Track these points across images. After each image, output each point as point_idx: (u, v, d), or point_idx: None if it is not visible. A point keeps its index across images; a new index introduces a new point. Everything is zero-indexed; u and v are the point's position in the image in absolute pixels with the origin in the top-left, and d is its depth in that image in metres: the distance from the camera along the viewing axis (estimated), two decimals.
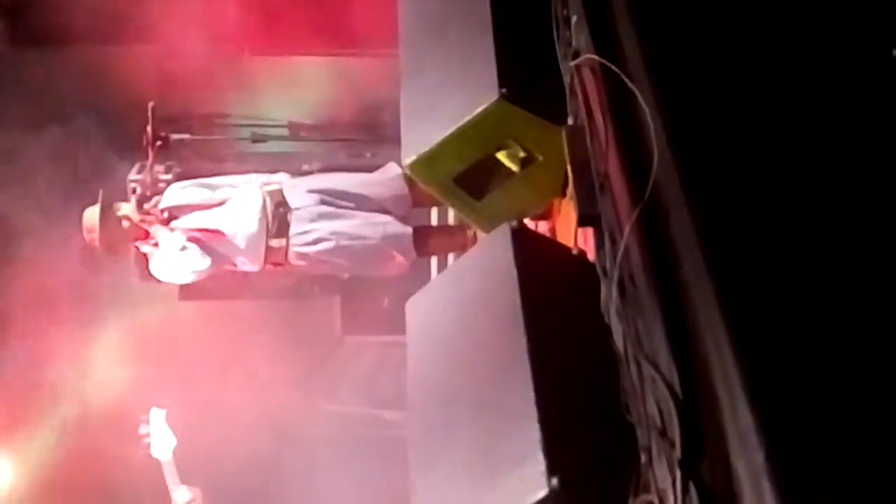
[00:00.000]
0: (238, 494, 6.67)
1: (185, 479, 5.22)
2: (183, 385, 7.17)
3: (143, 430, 5.21)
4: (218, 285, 6.07)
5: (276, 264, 5.26)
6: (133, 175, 5.35)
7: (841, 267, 2.54)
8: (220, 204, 5.18)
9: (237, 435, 7.49)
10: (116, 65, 6.62)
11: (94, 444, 7.08)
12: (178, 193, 5.21)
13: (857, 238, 2.60)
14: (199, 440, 6.82)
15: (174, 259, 5.20)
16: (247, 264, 5.29)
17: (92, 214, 5.18)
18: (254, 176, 5.27)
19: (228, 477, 7.04)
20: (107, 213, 5.13)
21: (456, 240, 5.37)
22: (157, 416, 5.21)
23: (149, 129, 5.35)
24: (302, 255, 5.29)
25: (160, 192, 5.19)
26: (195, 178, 5.38)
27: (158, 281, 6.43)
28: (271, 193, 5.20)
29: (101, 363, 7.44)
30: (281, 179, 5.28)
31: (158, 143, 5.34)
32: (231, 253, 5.24)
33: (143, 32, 6.68)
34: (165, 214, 5.10)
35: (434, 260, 5.94)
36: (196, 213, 5.17)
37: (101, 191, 5.27)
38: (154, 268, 5.23)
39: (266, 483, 7.59)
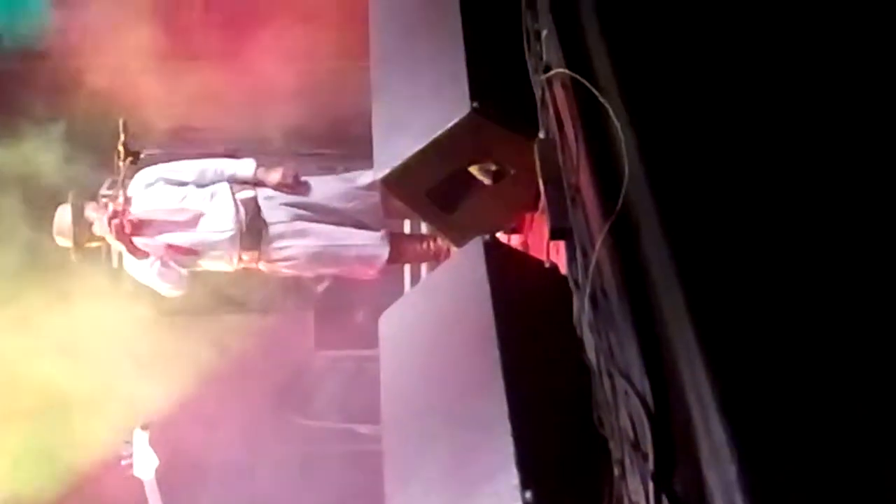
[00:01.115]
0: None
1: (166, 497, 5.19)
2: (158, 401, 7.14)
3: (125, 450, 5.18)
4: (192, 301, 6.06)
5: (246, 270, 5.28)
6: (104, 190, 5.33)
7: (814, 280, 2.55)
8: (193, 220, 5.16)
9: (211, 449, 7.46)
10: (86, 78, 6.59)
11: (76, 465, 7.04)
12: (145, 197, 5.17)
13: (830, 251, 2.61)
14: (176, 456, 6.79)
15: (148, 279, 5.19)
16: (220, 268, 5.31)
17: (63, 217, 5.15)
18: (223, 182, 5.20)
19: (204, 492, 7.01)
20: (78, 216, 5.10)
21: (428, 249, 5.38)
22: (141, 437, 5.18)
23: (120, 144, 5.32)
24: (273, 269, 5.30)
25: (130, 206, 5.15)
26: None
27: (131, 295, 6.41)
28: (245, 203, 5.19)
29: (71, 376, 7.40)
30: (248, 170, 5.23)
31: (130, 158, 5.31)
32: (203, 265, 5.24)
33: (111, 46, 6.65)
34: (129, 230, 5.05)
35: (407, 271, 5.94)
36: (167, 233, 5.14)
37: (70, 192, 5.23)
38: (130, 269, 5.23)
39: (241, 498, 7.55)
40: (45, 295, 6.59)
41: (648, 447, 2.47)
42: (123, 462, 5.13)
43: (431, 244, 5.37)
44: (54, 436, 7.04)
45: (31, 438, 7.10)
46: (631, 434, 2.57)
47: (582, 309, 2.93)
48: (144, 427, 5.18)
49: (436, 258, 5.31)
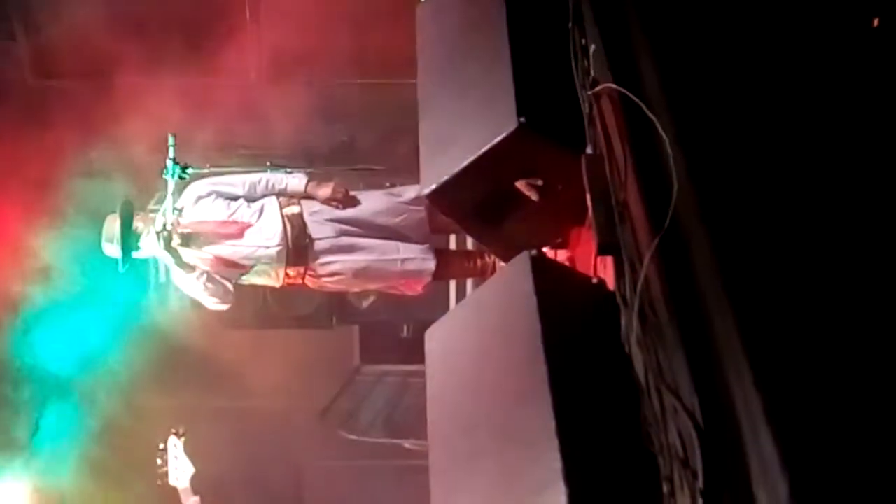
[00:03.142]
0: None
1: None
2: (203, 414, 7.18)
3: (161, 458, 5.18)
4: (238, 315, 6.09)
5: (292, 285, 5.30)
6: (153, 204, 5.38)
7: (864, 298, 2.53)
8: (240, 232, 5.18)
9: (258, 464, 7.48)
10: (136, 95, 6.66)
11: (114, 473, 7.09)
12: (195, 209, 5.20)
13: (882, 269, 2.59)
14: (222, 470, 6.82)
15: (195, 293, 5.21)
16: (266, 283, 5.34)
17: (111, 228, 5.19)
18: (272, 196, 5.22)
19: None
20: (127, 227, 5.13)
21: (475, 265, 5.37)
22: (176, 445, 5.19)
23: (169, 158, 5.36)
24: (319, 284, 5.31)
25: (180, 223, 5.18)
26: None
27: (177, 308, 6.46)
28: (291, 219, 5.20)
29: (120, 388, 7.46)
30: (299, 185, 5.25)
31: (179, 172, 5.35)
32: (249, 279, 5.26)
33: (162, 64, 6.71)
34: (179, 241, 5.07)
35: (452, 287, 5.94)
36: (215, 245, 5.17)
37: (119, 203, 5.27)
38: (177, 282, 5.26)
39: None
40: None
41: (698, 464, 2.45)
42: (160, 472, 5.13)
43: (477, 260, 5.36)
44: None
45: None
46: (680, 451, 2.55)
47: (630, 325, 2.91)
48: (179, 435, 5.17)
49: (482, 274, 5.30)
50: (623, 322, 2.99)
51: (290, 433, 7.69)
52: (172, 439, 5.16)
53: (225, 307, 5.26)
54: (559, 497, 2.60)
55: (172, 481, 5.13)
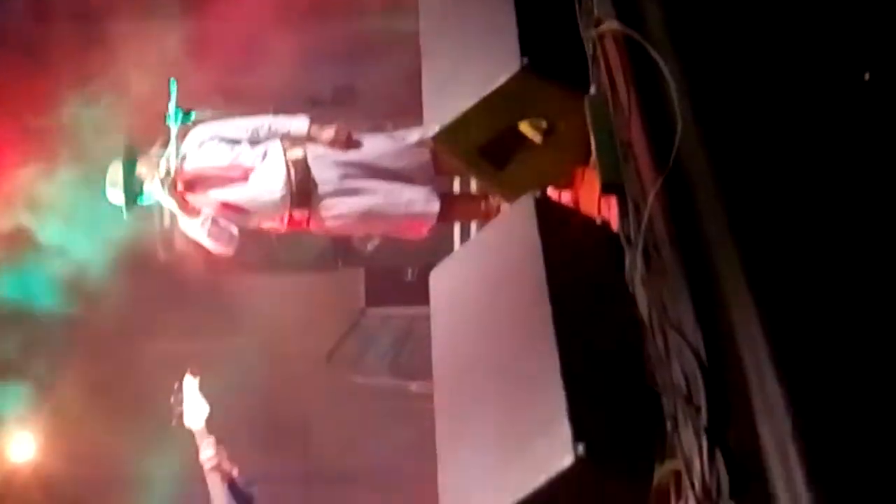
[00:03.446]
0: (267, 466, 6.70)
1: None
2: (210, 358, 7.22)
3: (175, 398, 5.15)
4: (244, 259, 6.10)
5: (297, 229, 5.30)
6: (156, 149, 5.36)
7: (868, 234, 2.53)
8: (244, 176, 5.18)
9: (265, 406, 7.54)
10: (136, 39, 6.63)
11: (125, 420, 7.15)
12: (197, 154, 5.19)
13: (886, 206, 2.59)
14: (230, 413, 6.87)
15: (200, 238, 5.22)
16: (270, 226, 5.34)
17: (115, 174, 5.18)
18: (275, 140, 5.19)
19: (258, 449, 7.10)
20: (129, 173, 5.13)
21: (478, 207, 5.37)
22: (191, 385, 5.15)
23: (171, 103, 5.35)
24: (323, 227, 5.32)
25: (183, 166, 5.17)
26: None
27: (179, 258, 6.47)
28: (295, 163, 5.19)
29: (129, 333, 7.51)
30: (302, 128, 5.23)
31: (181, 117, 5.33)
32: (254, 223, 5.27)
33: (162, 7, 6.68)
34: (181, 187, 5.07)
35: (457, 230, 5.94)
36: (219, 189, 5.17)
37: (122, 149, 5.26)
38: (183, 227, 5.27)
39: (295, 454, 7.64)
40: None
41: (702, 401, 2.47)
42: (174, 412, 5.09)
43: (481, 203, 5.36)
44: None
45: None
46: (684, 388, 2.56)
47: (634, 264, 2.92)
48: (194, 374, 5.13)
49: (486, 217, 5.30)
50: (627, 262, 3.00)
51: (297, 376, 7.74)
52: (188, 378, 5.14)
53: (230, 251, 5.27)
54: (564, 436, 2.62)
55: (187, 422, 5.11)
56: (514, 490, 2.64)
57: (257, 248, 6.24)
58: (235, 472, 4.98)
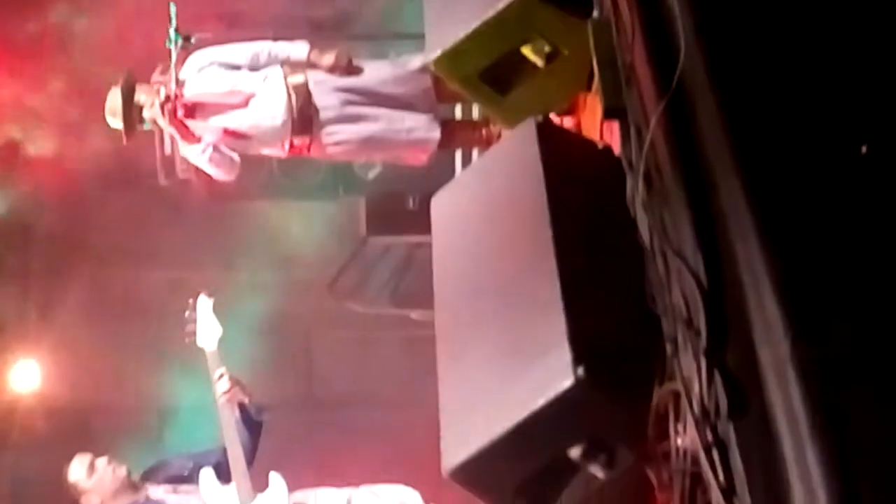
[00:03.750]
0: (272, 392, 6.75)
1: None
2: (212, 286, 7.25)
3: (188, 316, 5.11)
4: (245, 187, 6.09)
5: (298, 155, 5.28)
6: (156, 75, 5.32)
7: (871, 158, 2.52)
8: (244, 102, 5.15)
9: (267, 336, 7.57)
10: None
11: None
12: (197, 80, 5.15)
13: (887, 124, 2.58)
14: (233, 339, 6.91)
15: (201, 164, 5.20)
16: (271, 152, 5.32)
17: (114, 100, 5.15)
18: (276, 66, 5.16)
19: (261, 376, 7.16)
20: (129, 99, 5.10)
21: (480, 134, 5.34)
22: (205, 305, 5.12)
23: (171, 29, 5.30)
24: (324, 154, 5.30)
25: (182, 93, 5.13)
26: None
27: (183, 180, 6.46)
28: (296, 88, 5.16)
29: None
30: (302, 53, 5.20)
31: (181, 42, 5.29)
32: (255, 149, 5.25)
33: None
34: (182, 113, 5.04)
35: (458, 157, 5.92)
36: (220, 115, 5.15)
37: (121, 75, 5.22)
38: (184, 153, 5.25)
39: (298, 380, 7.68)
40: None
41: (701, 324, 2.48)
42: (187, 330, 5.06)
43: (483, 129, 5.33)
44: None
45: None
46: (684, 311, 2.57)
47: (636, 188, 2.92)
48: (210, 294, 5.10)
49: (487, 144, 5.27)
50: (628, 186, 3.00)
51: (298, 304, 7.76)
52: (202, 298, 5.11)
53: (231, 178, 5.26)
54: (564, 359, 2.64)
55: (200, 342, 5.08)
56: (515, 411, 2.67)
57: (258, 175, 6.23)
58: (247, 401, 4.98)
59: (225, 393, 4.91)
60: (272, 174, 6.39)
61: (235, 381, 4.95)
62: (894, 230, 2.44)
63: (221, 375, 4.92)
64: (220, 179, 5.27)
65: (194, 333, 5.04)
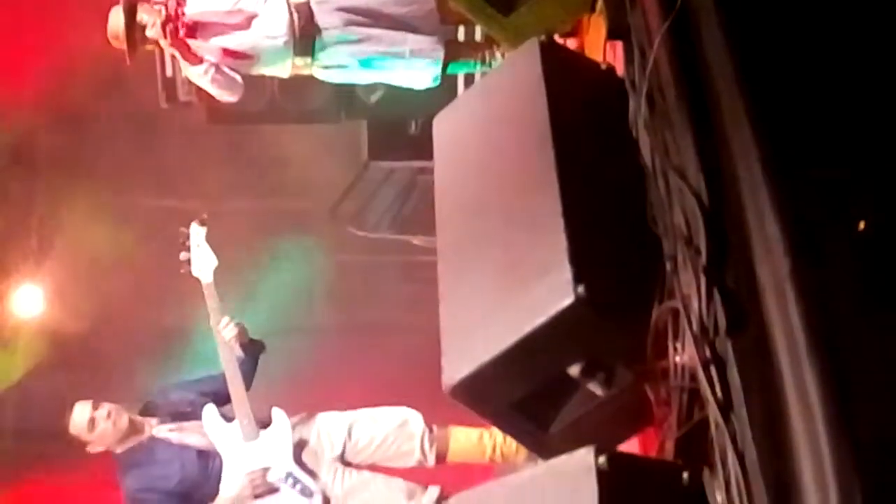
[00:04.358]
0: (270, 316, 6.78)
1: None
2: (214, 212, 7.26)
3: (183, 243, 5.06)
4: (245, 109, 6.07)
5: (300, 76, 5.25)
6: None
7: (863, 69, 2.51)
8: (246, 22, 5.11)
9: (267, 261, 7.60)
10: None
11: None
12: (199, 0, 5.12)
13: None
14: (233, 266, 6.93)
15: (204, 84, 5.17)
16: (273, 73, 5.28)
17: (116, 20, 5.10)
18: None
19: (260, 300, 7.19)
20: (131, 19, 5.05)
21: (483, 56, 5.30)
22: (198, 234, 5.08)
23: None
24: (326, 76, 5.27)
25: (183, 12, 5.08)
26: None
27: (183, 103, 6.43)
28: (298, 8, 5.11)
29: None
30: None
31: None
32: (256, 70, 5.21)
33: None
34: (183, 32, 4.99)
35: (461, 80, 5.89)
36: (221, 35, 5.11)
37: None
38: (187, 73, 5.21)
39: (299, 307, 7.71)
40: None
41: (702, 242, 2.49)
42: (182, 258, 5.02)
43: (486, 52, 5.30)
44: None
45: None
46: (684, 230, 2.58)
47: (638, 109, 2.91)
48: (202, 222, 5.06)
49: (490, 65, 5.24)
50: (631, 106, 2.99)
51: (300, 229, 7.77)
52: (194, 226, 5.08)
53: (234, 98, 5.23)
54: (564, 277, 2.64)
55: (195, 272, 5.05)
56: (515, 329, 2.68)
57: (259, 98, 6.20)
58: (248, 342, 4.94)
59: (228, 340, 4.86)
60: (273, 97, 6.36)
61: (238, 327, 4.89)
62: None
63: (228, 324, 4.86)
64: (223, 100, 5.24)
65: (189, 263, 4.99)
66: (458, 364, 2.78)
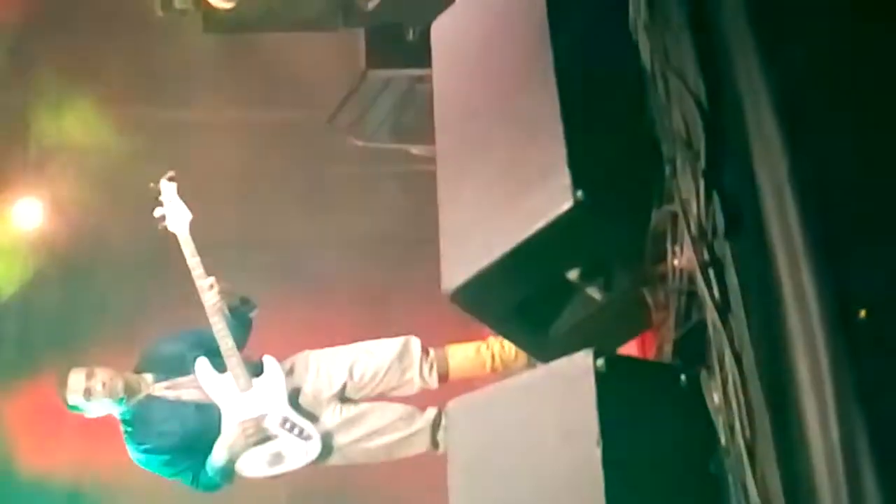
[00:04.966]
0: (268, 227, 6.77)
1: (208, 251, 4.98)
2: (209, 126, 7.22)
3: (156, 198, 4.95)
4: (242, 16, 6.01)
5: None
6: None
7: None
8: None
9: (264, 177, 7.57)
10: None
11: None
12: None
13: None
14: (229, 175, 6.91)
15: None
16: None
17: None
18: None
19: (256, 213, 7.18)
20: None
21: None
22: (168, 189, 4.96)
23: None
24: None
25: None
26: None
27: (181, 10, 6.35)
28: None
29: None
30: None
31: None
32: None
33: None
34: None
35: None
36: None
37: None
38: None
39: (299, 216, 7.70)
40: None
41: (701, 145, 2.48)
42: (157, 214, 4.92)
43: None
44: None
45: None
46: (683, 133, 2.58)
47: (638, 12, 2.89)
48: (171, 178, 4.94)
49: None
50: (631, 9, 2.96)
51: (298, 140, 7.73)
52: (164, 183, 4.96)
53: (230, 5, 5.17)
54: (563, 182, 2.64)
55: (171, 227, 4.95)
56: (514, 233, 2.69)
57: (255, 4, 6.13)
58: (237, 302, 4.87)
59: (215, 304, 4.77)
60: (270, 5, 6.28)
61: (223, 291, 4.78)
62: (891, 50, 2.42)
63: (212, 286, 4.76)
64: (219, 7, 5.18)
65: (164, 218, 4.89)
66: (458, 269, 2.79)
